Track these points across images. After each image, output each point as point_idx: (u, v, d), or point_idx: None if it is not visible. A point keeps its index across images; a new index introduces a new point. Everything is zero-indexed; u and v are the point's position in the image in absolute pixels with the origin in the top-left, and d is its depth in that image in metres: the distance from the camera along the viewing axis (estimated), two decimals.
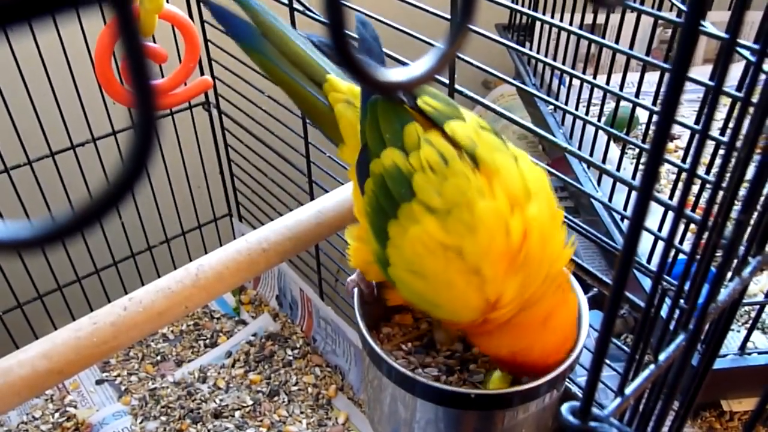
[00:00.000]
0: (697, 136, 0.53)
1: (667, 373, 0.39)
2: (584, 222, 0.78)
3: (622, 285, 0.27)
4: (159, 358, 1.04)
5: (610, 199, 0.76)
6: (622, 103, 0.73)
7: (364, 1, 0.67)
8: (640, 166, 0.76)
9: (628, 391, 0.32)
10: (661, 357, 0.34)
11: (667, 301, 0.44)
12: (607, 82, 0.81)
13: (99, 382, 1.00)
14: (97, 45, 0.71)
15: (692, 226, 0.66)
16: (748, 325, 0.64)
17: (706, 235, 0.33)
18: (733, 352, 0.58)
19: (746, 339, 0.57)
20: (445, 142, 0.47)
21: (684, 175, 0.63)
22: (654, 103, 0.66)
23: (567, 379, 0.55)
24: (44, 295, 0.99)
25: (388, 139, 0.48)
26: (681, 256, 0.58)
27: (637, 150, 0.94)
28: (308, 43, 0.57)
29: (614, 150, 0.87)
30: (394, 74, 0.14)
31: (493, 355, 0.50)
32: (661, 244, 0.61)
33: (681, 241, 0.59)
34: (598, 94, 0.94)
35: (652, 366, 0.34)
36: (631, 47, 0.66)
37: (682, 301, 0.35)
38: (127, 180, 0.12)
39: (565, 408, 0.30)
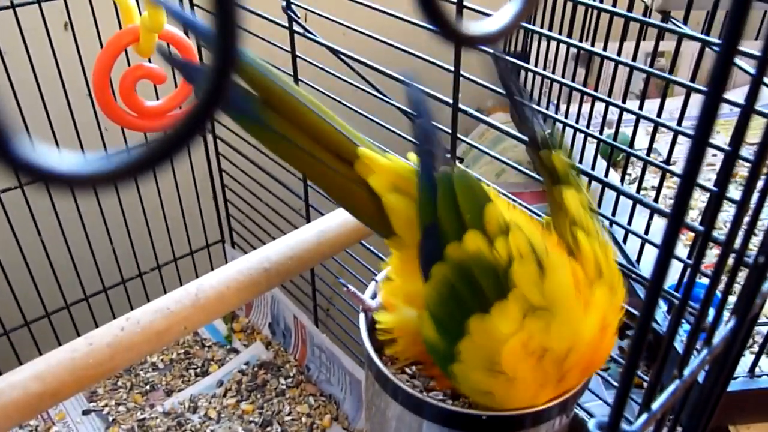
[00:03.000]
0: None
1: (688, 392, 0.38)
2: None
3: (653, 309, 0.26)
4: (148, 387, 1.01)
5: (610, 224, 0.76)
6: (621, 129, 0.73)
7: (371, 21, 0.67)
8: (641, 192, 0.76)
9: (654, 406, 0.31)
10: (686, 372, 0.33)
11: (688, 318, 0.44)
12: (605, 109, 0.81)
13: (86, 413, 0.97)
14: (95, 66, 0.70)
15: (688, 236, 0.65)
16: (753, 349, 0.64)
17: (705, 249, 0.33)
18: (742, 375, 0.57)
19: (755, 361, 0.57)
20: (532, 228, 0.43)
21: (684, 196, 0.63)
22: (654, 130, 0.66)
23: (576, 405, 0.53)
24: (31, 323, 0.97)
25: (469, 220, 0.42)
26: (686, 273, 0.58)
27: (637, 174, 0.95)
28: (326, 113, 0.48)
29: (613, 175, 0.88)
30: (478, 26, 0.13)
31: None
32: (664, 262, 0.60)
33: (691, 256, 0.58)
34: (595, 121, 0.95)
35: (676, 381, 0.33)
36: (630, 76, 0.66)
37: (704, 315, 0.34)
38: (209, 102, 0.11)
39: (592, 424, 0.29)
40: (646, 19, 0.53)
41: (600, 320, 0.43)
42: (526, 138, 0.49)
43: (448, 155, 0.43)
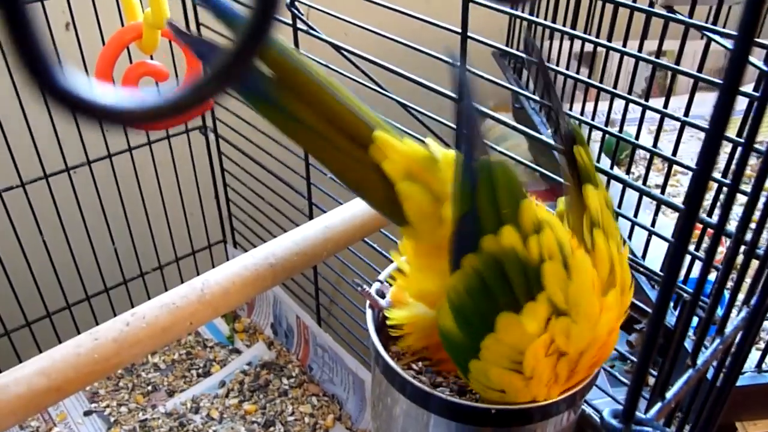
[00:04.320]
0: (739, 149, 0.52)
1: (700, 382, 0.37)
2: None
3: (666, 304, 0.26)
4: (150, 388, 1.01)
5: (616, 218, 0.76)
6: (624, 128, 0.73)
7: (374, 17, 0.67)
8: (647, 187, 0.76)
9: (669, 395, 0.31)
10: (699, 361, 0.33)
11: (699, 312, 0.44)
12: (609, 108, 0.81)
13: (87, 413, 0.97)
14: (98, 62, 0.70)
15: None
16: (760, 345, 0.64)
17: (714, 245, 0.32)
18: (749, 370, 0.57)
19: (762, 357, 0.56)
20: (561, 228, 0.43)
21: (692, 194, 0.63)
22: (658, 129, 0.66)
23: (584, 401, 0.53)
24: (32, 323, 0.96)
25: (506, 215, 0.40)
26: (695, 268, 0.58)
27: (641, 173, 0.94)
28: (342, 93, 0.45)
29: (617, 173, 0.87)
30: None
31: None
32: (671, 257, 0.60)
33: (697, 248, 0.58)
34: (598, 120, 0.94)
35: (690, 371, 0.33)
36: (633, 76, 0.66)
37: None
38: (248, 41, 0.10)
39: (607, 413, 0.29)
40: (651, 9, 0.52)
41: (612, 324, 0.43)
42: (551, 135, 0.48)
43: (485, 143, 0.41)
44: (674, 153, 0.63)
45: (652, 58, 0.60)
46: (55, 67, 0.10)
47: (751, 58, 0.49)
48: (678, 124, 0.56)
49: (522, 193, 0.41)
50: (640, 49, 0.63)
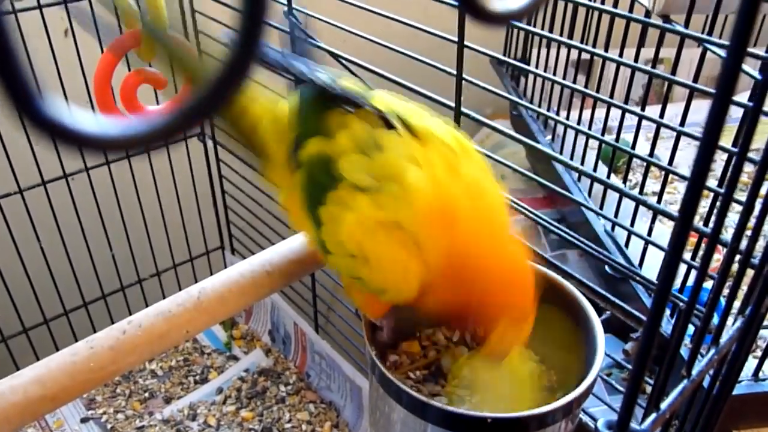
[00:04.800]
0: (734, 159, 0.52)
1: (695, 393, 0.37)
2: (583, 253, 0.77)
3: (661, 313, 0.26)
4: (147, 394, 1.01)
5: (612, 228, 0.76)
6: (621, 135, 0.73)
7: (372, 26, 0.67)
8: (643, 196, 0.76)
9: (664, 405, 0.31)
10: (694, 371, 0.33)
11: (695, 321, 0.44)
12: (606, 115, 0.81)
13: (84, 420, 0.97)
14: (96, 70, 0.70)
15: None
16: (756, 354, 0.64)
17: (709, 255, 0.32)
18: (746, 378, 0.57)
19: (759, 365, 0.56)
20: (373, 120, 0.48)
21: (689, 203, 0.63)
22: (655, 136, 0.66)
23: (581, 411, 0.53)
24: (29, 329, 0.96)
25: (313, 128, 0.49)
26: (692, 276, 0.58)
27: (638, 181, 0.95)
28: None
29: (614, 180, 0.87)
30: (501, 4, 0.13)
31: (440, 309, 0.49)
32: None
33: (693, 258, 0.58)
34: (595, 128, 0.94)
35: (684, 381, 0.33)
36: (630, 83, 0.66)
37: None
38: (232, 72, 0.11)
39: (602, 423, 0.29)
40: (647, 20, 0.53)
41: (452, 184, 0.46)
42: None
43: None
44: (671, 160, 0.63)
45: (648, 67, 0.61)
46: (37, 96, 0.10)
47: (746, 67, 0.50)
48: (675, 126, 0.57)
49: (329, 106, 0.49)
50: (636, 57, 0.63)
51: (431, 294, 0.47)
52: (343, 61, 0.72)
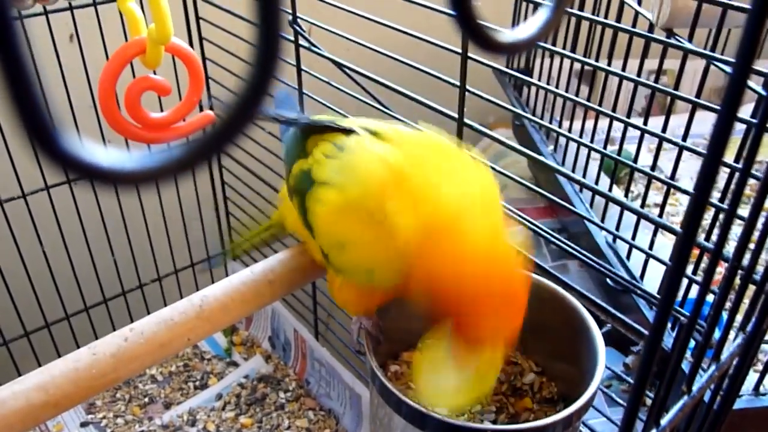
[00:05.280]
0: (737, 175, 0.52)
1: (695, 409, 0.37)
2: (582, 266, 0.77)
3: (662, 329, 0.26)
4: (147, 400, 1.01)
5: (614, 240, 0.76)
6: (624, 146, 0.73)
7: (376, 35, 0.67)
8: (645, 209, 0.76)
9: (663, 421, 0.31)
10: (694, 388, 0.33)
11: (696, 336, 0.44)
12: (609, 126, 0.81)
13: (84, 425, 0.97)
14: (101, 77, 0.70)
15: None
16: (758, 367, 0.64)
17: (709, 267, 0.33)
18: (747, 393, 0.57)
19: (760, 380, 0.56)
20: (340, 135, 0.53)
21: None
22: (658, 148, 0.66)
23: (582, 423, 0.53)
24: (31, 333, 0.96)
25: (297, 155, 0.56)
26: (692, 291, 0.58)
27: (640, 192, 0.95)
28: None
29: (616, 191, 0.88)
30: (508, 36, 0.13)
31: (423, 293, 0.47)
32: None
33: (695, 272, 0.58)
34: (598, 138, 0.95)
35: (684, 397, 0.33)
36: (633, 94, 0.66)
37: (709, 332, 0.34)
38: (248, 103, 0.11)
39: None
40: (650, 35, 0.53)
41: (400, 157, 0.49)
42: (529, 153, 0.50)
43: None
44: (674, 172, 0.63)
45: (652, 78, 0.61)
46: (54, 133, 0.10)
47: (751, 83, 0.50)
48: (678, 141, 0.57)
49: (307, 136, 0.56)
50: (640, 68, 0.63)
51: (413, 280, 0.47)
52: (346, 70, 0.72)
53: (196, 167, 0.12)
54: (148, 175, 0.11)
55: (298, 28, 0.76)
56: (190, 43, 0.94)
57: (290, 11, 0.76)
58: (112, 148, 0.12)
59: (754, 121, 0.48)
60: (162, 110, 0.76)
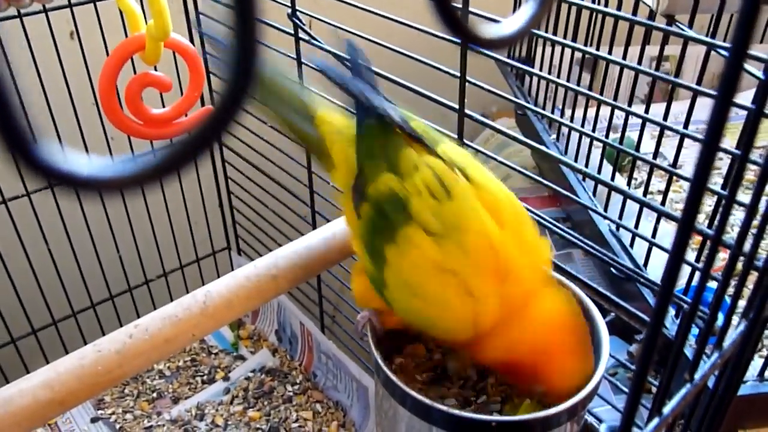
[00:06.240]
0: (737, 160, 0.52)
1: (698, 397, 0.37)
2: (586, 255, 0.77)
3: (663, 316, 0.26)
4: (155, 395, 1.01)
5: (617, 228, 0.76)
6: (626, 133, 0.73)
7: (376, 27, 0.67)
8: (648, 196, 0.76)
9: (666, 410, 0.31)
10: (697, 376, 0.33)
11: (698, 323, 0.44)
12: (611, 114, 0.81)
13: (94, 420, 0.97)
14: (101, 74, 0.70)
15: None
16: (762, 353, 0.63)
17: (709, 256, 0.32)
18: (751, 378, 0.56)
19: (765, 365, 0.56)
20: (443, 166, 0.49)
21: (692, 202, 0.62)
22: (660, 135, 0.66)
23: (587, 412, 0.53)
24: (38, 330, 0.97)
25: (383, 165, 0.50)
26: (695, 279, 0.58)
27: (643, 179, 0.94)
28: (296, 85, 0.59)
29: (619, 179, 0.87)
30: (493, 29, 0.13)
31: (496, 361, 0.50)
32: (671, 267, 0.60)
33: (698, 260, 0.58)
34: (600, 126, 0.94)
35: (687, 385, 0.33)
36: (635, 81, 0.66)
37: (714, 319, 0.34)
38: (229, 105, 0.11)
39: (604, 429, 0.29)
40: (651, 23, 0.53)
41: (504, 239, 0.48)
42: (529, 143, 0.51)
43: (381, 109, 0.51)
44: (676, 159, 0.63)
45: (653, 64, 0.60)
46: (31, 141, 0.10)
47: (750, 67, 0.49)
48: (680, 128, 0.56)
49: (400, 143, 0.50)
50: (641, 54, 0.63)
51: (486, 346, 0.49)
52: (347, 63, 0.72)
53: (178, 171, 0.12)
54: (127, 182, 0.11)
55: (297, 21, 0.76)
56: (191, 39, 0.94)
57: (290, 4, 0.76)
58: (92, 155, 0.12)
59: (752, 106, 0.48)
60: (163, 106, 0.76)
